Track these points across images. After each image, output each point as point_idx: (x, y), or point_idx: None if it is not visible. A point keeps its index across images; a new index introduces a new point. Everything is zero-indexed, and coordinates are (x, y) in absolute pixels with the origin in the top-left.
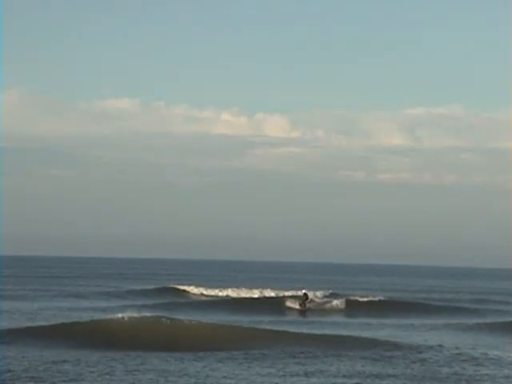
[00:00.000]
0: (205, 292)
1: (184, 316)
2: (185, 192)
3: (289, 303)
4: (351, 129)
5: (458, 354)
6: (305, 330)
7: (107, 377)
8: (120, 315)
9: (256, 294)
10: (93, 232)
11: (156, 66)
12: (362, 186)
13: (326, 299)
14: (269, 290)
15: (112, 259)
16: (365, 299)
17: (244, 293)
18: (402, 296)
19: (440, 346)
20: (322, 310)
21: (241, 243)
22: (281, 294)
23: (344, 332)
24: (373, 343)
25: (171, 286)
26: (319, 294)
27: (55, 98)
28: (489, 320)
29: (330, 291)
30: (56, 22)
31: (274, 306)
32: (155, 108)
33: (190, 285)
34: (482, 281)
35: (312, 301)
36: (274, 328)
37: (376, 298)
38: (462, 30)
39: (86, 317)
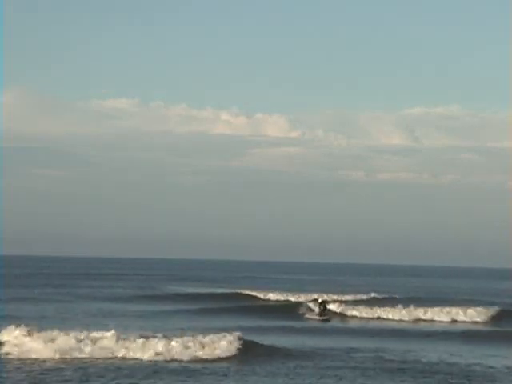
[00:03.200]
0: (278, 298)
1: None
2: (184, 192)
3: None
4: (350, 129)
5: None
6: None
7: None
8: None
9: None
10: (92, 232)
11: (155, 65)
12: (361, 185)
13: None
14: (330, 295)
15: (113, 259)
16: (496, 309)
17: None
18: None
19: None
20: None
21: (240, 243)
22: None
23: None
24: None
25: (238, 291)
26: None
27: (55, 97)
28: None
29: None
30: (55, 21)
31: None
32: (154, 108)
33: (258, 290)
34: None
35: (329, 311)
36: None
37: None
38: (462, 30)
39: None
